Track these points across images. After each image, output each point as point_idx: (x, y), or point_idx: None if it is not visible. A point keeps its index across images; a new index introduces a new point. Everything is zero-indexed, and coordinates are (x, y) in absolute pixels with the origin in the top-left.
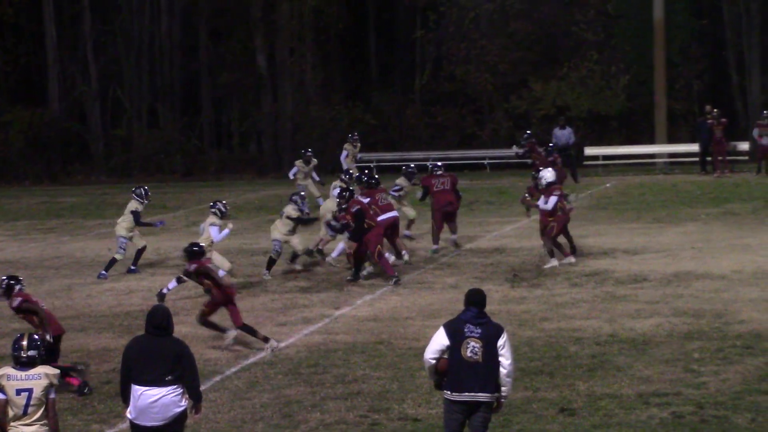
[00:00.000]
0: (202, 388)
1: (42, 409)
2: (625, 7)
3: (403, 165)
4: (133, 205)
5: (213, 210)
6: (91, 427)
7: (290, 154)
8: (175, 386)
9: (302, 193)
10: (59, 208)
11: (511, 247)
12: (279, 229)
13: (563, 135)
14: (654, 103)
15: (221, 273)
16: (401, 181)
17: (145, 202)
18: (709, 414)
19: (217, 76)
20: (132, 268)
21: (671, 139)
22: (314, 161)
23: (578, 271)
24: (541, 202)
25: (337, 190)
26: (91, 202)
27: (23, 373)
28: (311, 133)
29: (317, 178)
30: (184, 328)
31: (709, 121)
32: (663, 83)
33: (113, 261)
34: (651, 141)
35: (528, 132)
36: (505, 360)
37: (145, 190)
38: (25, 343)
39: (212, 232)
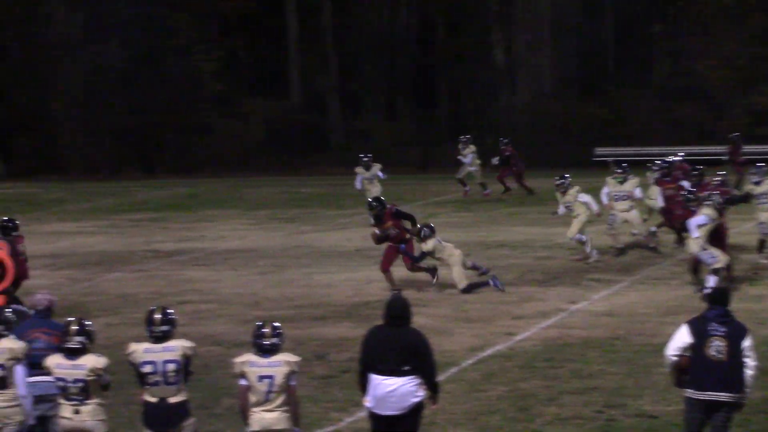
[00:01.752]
0: (439, 379)
1: (283, 396)
2: None
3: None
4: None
5: None
6: (330, 415)
7: (526, 149)
8: (413, 376)
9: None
10: (299, 198)
11: (750, 245)
12: None
13: None
14: None
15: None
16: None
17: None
18: None
19: (454, 70)
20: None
21: None
22: (375, 165)
23: None
24: None
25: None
26: (331, 193)
27: (265, 360)
28: (546, 127)
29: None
30: (422, 319)
31: None
32: None
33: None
34: None
35: (507, 139)
36: (751, 361)
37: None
38: (267, 330)
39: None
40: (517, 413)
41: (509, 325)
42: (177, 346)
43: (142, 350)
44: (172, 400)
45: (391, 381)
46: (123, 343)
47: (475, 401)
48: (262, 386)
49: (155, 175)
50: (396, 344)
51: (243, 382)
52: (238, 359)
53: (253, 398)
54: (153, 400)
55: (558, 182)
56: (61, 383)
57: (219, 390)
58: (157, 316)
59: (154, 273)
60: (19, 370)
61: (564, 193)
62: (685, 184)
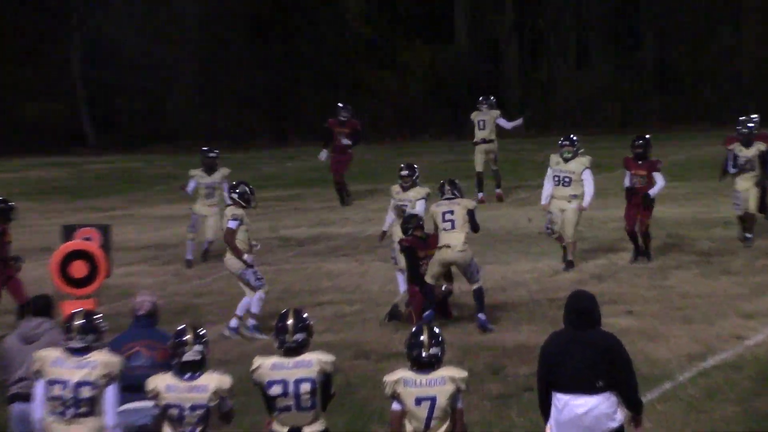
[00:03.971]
0: (649, 397)
1: (447, 423)
2: None
3: None
4: None
5: None
6: None
7: (755, 101)
8: (608, 394)
9: None
10: (469, 167)
11: None
12: None
13: None
14: None
15: None
16: None
17: None
18: None
19: (660, 3)
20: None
21: None
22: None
23: None
24: None
25: None
26: (508, 160)
27: (425, 378)
28: None
29: None
30: (625, 319)
31: None
32: None
33: None
34: None
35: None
36: None
37: None
38: (425, 338)
39: None
40: None
41: (738, 326)
42: (313, 361)
43: (269, 366)
44: (308, 429)
45: (580, 401)
46: (245, 357)
47: (695, 424)
48: (421, 411)
49: (288, 143)
50: (583, 352)
51: (396, 406)
52: (390, 377)
53: (409, 426)
54: (283, 430)
55: None
56: (174, 411)
57: (366, 416)
58: (290, 321)
59: (283, 266)
60: (111, 393)
61: None
62: None
